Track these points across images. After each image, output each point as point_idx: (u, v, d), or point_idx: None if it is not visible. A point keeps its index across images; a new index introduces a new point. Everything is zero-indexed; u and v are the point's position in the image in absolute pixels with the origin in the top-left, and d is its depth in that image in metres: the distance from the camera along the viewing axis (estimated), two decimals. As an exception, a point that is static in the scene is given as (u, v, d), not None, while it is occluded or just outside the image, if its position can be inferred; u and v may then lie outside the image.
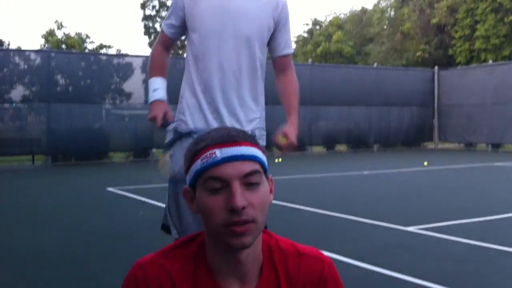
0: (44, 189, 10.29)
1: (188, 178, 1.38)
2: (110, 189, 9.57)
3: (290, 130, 2.74)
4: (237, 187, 1.29)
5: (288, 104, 2.86)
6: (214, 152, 1.31)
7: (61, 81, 15.93)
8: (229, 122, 2.70)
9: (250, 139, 1.37)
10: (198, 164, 1.34)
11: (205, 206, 1.33)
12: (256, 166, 1.34)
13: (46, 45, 29.53)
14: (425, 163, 14.16)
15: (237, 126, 2.65)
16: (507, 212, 7.06)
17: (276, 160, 13.67)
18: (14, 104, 15.55)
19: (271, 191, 1.41)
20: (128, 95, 16.88)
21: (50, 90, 15.17)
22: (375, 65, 23.03)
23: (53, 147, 15.02)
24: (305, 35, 49.04)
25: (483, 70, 20.79)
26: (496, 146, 20.16)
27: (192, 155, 1.36)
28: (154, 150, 16.47)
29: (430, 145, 22.42)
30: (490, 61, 22.83)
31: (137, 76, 17.00)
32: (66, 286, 4.17)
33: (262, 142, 2.78)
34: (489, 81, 19.92)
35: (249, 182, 1.32)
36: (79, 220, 6.91)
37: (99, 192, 9.33)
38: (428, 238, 5.65)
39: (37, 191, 9.94)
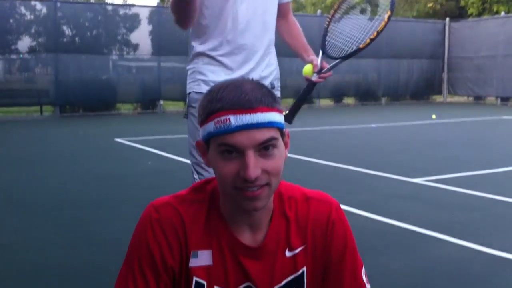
0: (53, 139, 10.35)
1: (202, 133, 1.35)
2: (118, 139, 9.61)
3: (316, 59, 2.62)
4: (251, 157, 1.26)
5: (300, 43, 2.76)
6: (229, 119, 1.26)
7: (68, 32, 15.79)
8: (253, 73, 2.52)
9: (267, 102, 1.30)
10: (211, 126, 1.30)
11: (218, 168, 1.31)
12: (272, 133, 1.29)
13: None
14: (433, 116, 14.09)
15: (260, 77, 2.53)
16: (514, 165, 7.07)
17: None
18: (21, 55, 15.48)
19: (286, 146, 1.39)
20: (135, 46, 16.74)
21: (57, 41, 15.06)
22: (385, 16, 22.65)
23: (61, 97, 15.02)
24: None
25: (495, 22, 20.41)
26: (505, 99, 19.99)
27: (206, 114, 1.31)
28: (161, 102, 16.44)
29: (439, 99, 22.25)
30: (503, 13, 22.36)
31: (144, 27, 16.82)
32: (74, 228, 4.26)
33: (279, 93, 2.61)
34: (500, 33, 19.58)
35: (264, 148, 1.29)
36: (88, 167, 7.00)
37: (107, 143, 9.38)
38: (434, 190, 5.68)
39: (46, 141, 10.00)
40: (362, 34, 2.58)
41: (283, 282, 1.43)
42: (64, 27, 15.63)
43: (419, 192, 5.63)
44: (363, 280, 1.48)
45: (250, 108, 1.27)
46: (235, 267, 1.39)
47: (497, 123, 13.43)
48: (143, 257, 1.38)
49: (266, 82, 2.57)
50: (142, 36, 16.66)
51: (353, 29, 2.63)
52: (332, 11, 2.77)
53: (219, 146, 1.29)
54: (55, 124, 13.37)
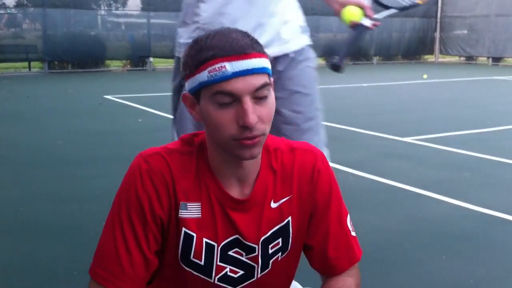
0: (42, 95, 10.24)
1: (190, 85, 1.31)
2: (107, 96, 9.53)
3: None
4: (248, 103, 1.24)
5: None
6: (224, 66, 1.23)
7: (55, -14, 15.48)
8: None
9: (258, 48, 1.29)
10: (204, 75, 1.26)
11: (213, 119, 1.28)
12: (266, 79, 1.28)
13: None
14: (425, 76, 14.06)
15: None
16: (504, 125, 7.09)
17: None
18: (8, 10, 15.18)
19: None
20: (124, 1, 16.47)
21: (44, -5, 14.79)
22: (378, -26, 22.36)
23: (49, 53, 14.82)
24: None
25: (489, -20, 20.24)
26: (496, 59, 19.96)
27: (197, 64, 1.28)
28: (151, 59, 16.26)
29: (431, 58, 22.19)
30: (497, -28, 22.17)
31: (133, -19, 16.53)
32: (63, 184, 4.25)
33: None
34: (494, -8, 19.44)
35: (259, 96, 1.27)
36: (77, 123, 6.95)
37: (96, 99, 9.30)
38: (424, 149, 5.70)
39: (35, 97, 9.88)
40: None
41: (269, 233, 1.44)
42: (52, -19, 15.32)
43: (410, 151, 5.65)
44: (348, 227, 1.50)
45: (244, 53, 1.25)
46: (224, 219, 1.39)
47: (488, 83, 13.43)
48: (132, 206, 1.36)
49: None
50: (131, -10, 16.39)
51: None
52: None
53: (214, 95, 1.26)
54: (43, 80, 13.22)
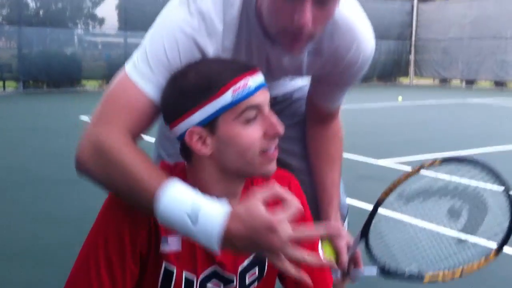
0: (15, 115, 10.12)
1: (201, 117, 1.27)
2: (83, 117, 9.46)
3: (343, 242, 1.77)
4: (272, 113, 1.32)
5: (330, 175, 1.95)
6: (247, 83, 1.27)
7: (32, 4, 15.40)
8: None
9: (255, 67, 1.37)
10: (228, 97, 1.25)
11: (243, 138, 1.27)
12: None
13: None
14: (399, 98, 14.24)
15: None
16: (477, 147, 7.19)
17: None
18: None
19: None
20: (101, 21, 16.45)
21: (21, 13, 14.68)
22: (354, -4, 22.67)
23: (24, 72, 14.69)
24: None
25: (462, 4, 20.63)
26: (470, 82, 20.31)
27: (215, 89, 1.26)
28: (128, 78, 16.20)
29: (405, 80, 22.48)
30: (469, -4, 22.67)
31: (110, 1, 16.50)
32: (33, 206, 4.20)
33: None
34: (467, 15, 19.84)
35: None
36: (51, 144, 6.87)
37: (72, 119, 9.21)
38: (399, 172, 5.74)
39: (8, 117, 9.77)
40: (434, 256, 1.73)
41: (246, 261, 1.43)
42: None
43: (386, 174, 5.68)
44: (319, 253, 1.54)
45: (254, 70, 1.32)
46: (202, 251, 1.37)
47: (461, 105, 13.64)
48: (110, 242, 1.30)
49: None
50: (108, 9, 16.36)
51: (413, 239, 1.80)
52: (396, 182, 1.77)
53: (242, 113, 1.27)
54: (18, 100, 13.07)
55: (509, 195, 1.55)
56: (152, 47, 1.39)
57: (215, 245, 1.18)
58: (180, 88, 1.29)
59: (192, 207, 1.19)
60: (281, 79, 1.91)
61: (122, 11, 16.31)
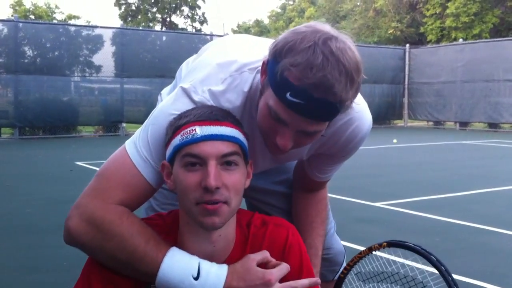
0: (11, 162, 10.12)
1: (168, 152, 1.37)
2: (78, 163, 9.46)
3: None
4: (213, 167, 1.28)
5: (310, 251, 1.80)
6: (195, 129, 1.30)
7: (29, 52, 15.58)
8: None
9: (232, 121, 1.36)
10: (177, 139, 1.32)
11: (180, 182, 1.32)
12: (236, 147, 1.33)
13: (14, 15, 28.80)
14: (394, 141, 14.32)
15: None
16: (472, 189, 7.20)
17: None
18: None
19: (249, 176, 1.42)
20: (98, 68, 16.61)
21: (18, 61, 14.84)
22: (347, 42, 22.99)
23: (20, 119, 14.75)
24: (278, 10, 48.78)
25: (453, 48, 20.99)
26: (463, 124, 20.47)
27: (174, 130, 1.35)
28: (124, 124, 16.28)
29: (400, 123, 22.65)
30: (461, 40, 23.05)
31: (107, 49, 16.71)
32: (28, 254, 4.14)
33: None
34: (459, 59, 20.13)
35: (226, 163, 1.31)
36: (47, 191, 6.84)
37: (67, 166, 9.21)
38: (395, 213, 5.74)
39: (4, 164, 9.77)
40: None
41: None
42: (25, 48, 15.44)
43: (380, 216, 5.67)
44: None
45: (215, 120, 1.33)
46: None
47: (455, 147, 13.71)
48: None
49: None
50: (105, 57, 16.55)
51: None
52: (350, 261, 1.94)
53: (183, 157, 1.31)
54: (14, 147, 13.08)
55: (445, 278, 1.72)
56: (154, 132, 1.44)
57: None
58: (170, 121, 1.40)
59: (193, 269, 1.31)
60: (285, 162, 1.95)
61: (119, 58, 16.51)
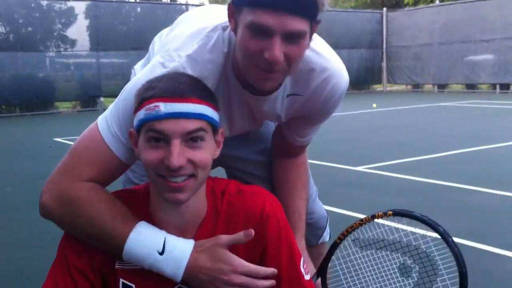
0: (-11, 141, 9.99)
1: (135, 121, 1.34)
2: (57, 139, 9.37)
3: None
4: (176, 145, 1.26)
5: (293, 215, 1.88)
6: (159, 106, 1.27)
7: (1, 29, 15.25)
8: None
9: (200, 95, 1.32)
10: (142, 113, 1.30)
11: (144, 156, 1.31)
12: (202, 124, 1.30)
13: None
14: (374, 105, 14.38)
15: None
16: (451, 150, 7.28)
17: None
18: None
19: (219, 145, 1.40)
20: (73, 42, 16.32)
21: (-10, 38, 14.55)
22: (324, 7, 22.85)
23: (-4, 97, 14.53)
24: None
25: (430, 10, 20.97)
26: (442, 86, 20.59)
27: (140, 101, 1.32)
28: (102, 99, 16.10)
29: (379, 87, 22.72)
30: (437, 1, 23.01)
31: (81, 22, 16.38)
32: (11, 231, 4.12)
33: None
34: (436, 21, 20.15)
35: (191, 139, 1.29)
36: (26, 168, 6.77)
37: (46, 142, 9.12)
38: (377, 177, 5.79)
39: (-19, 143, 9.64)
40: None
41: None
42: (-3, 24, 15.10)
43: (362, 179, 5.72)
44: (301, 271, 1.48)
45: (181, 96, 1.29)
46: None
47: (434, 109, 13.81)
48: (71, 262, 1.40)
49: None
50: (79, 31, 16.25)
51: None
52: (349, 228, 1.91)
53: (147, 132, 1.30)
54: (-10, 125, 12.91)
55: (452, 249, 1.67)
56: (125, 107, 1.43)
57: (180, 273, 1.32)
58: (139, 89, 1.36)
59: (158, 244, 1.32)
60: (264, 124, 1.94)
61: (94, 31, 16.24)
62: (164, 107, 1.27)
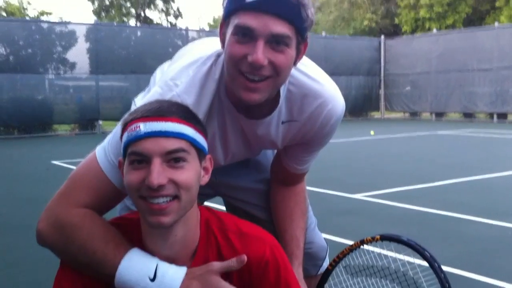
0: (-14, 163, 9.96)
1: (122, 149, 1.36)
2: (55, 162, 9.35)
3: None
4: (156, 164, 1.26)
5: (291, 242, 1.92)
6: (139, 126, 1.28)
7: (1, 50, 15.32)
8: None
9: (181, 115, 1.32)
10: (125, 136, 1.32)
11: (126, 178, 1.31)
12: (182, 144, 1.29)
13: (-16, 13, 28.33)
14: (372, 132, 14.42)
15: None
16: (448, 179, 7.27)
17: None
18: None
19: (207, 172, 1.39)
20: (72, 65, 16.40)
21: (-10, 60, 14.60)
22: (323, 34, 23.11)
23: (-6, 119, 14.53)
24: (253, 4, 48.57)
25: (428, 39, 21.17)
26: (439, 114, 20.67)
27: (123, 126, 1.34)
28: (100, 122, 16.13)
29: (377, 115, 22.80)
30: (435, 30, 23.24)
31: (81, 45, 16.51)
32: (6, 253, 4.08)
33: None
34: (433, 50, 20.31)
35: (173, 159, 1.28)
36: (23, 190, 6.75)
37: (43, 165, 9.10)
38: (374, 205, 5.78)
39: (-22, 165, 9.61)
40: None
41: None
42: (-2, 46, 15.18)
43: (359, 207, 5.71)
44: None
45: (161, 116, 1.30)
46: None
47: (432, 138, 13.84)
48: None
49: None
50: (79, 54, 16.36)
51: None
52: (340, 254, 1.95)
53: (129, 155, 1.31)
54: (-12, 146, 12.88)
55: (437, 274, 1.69)
56: (119, 136, 1.46)
57: None
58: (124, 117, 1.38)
59: (150, 270, 1.31)
60: (260, 153, 1.96)
61: (94, 54, 16.33)
62: (143, 126, 1.28)
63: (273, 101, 1.59)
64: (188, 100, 1.49)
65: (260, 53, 1.38)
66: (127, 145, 1.31)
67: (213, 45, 1.66)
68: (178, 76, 1.54)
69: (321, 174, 7.92)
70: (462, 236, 4.58)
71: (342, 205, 5.84)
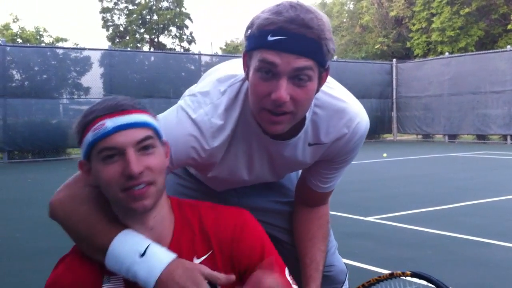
0: (1, 186, 10.04)
1: (82, 151, 1.40)
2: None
3: None
4: (131, 154, 1.32)
5: (310, 265, 1.92)
6: (104, 123, 1.33)
7: (17, 76, 15.53)
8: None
9: (139, 107, 1.40)
10: (90, 136, 1.35)
11: (102, 176, 1.35)
12: (149, 132, 1.37)
13: (1, 39, 28.77)
14: (384, 155, 14.38)
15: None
16: (461, 201, 7.23)
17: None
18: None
19: (167, 155, 1.45)
20: (86, 90, 16.59)
21: (6, 85, 14.77)
22: (335, 57, 23.16)
23: (9, 143, 14.66)
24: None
25: (440, 62, 21.17)
26: (452, 137, 20.59)
27: (83, 128, 1.38)
28: (114, 145, 16.19)
29: (389, 137, 22.75)
30: (447, 53, 23.25)
31: (95, 70, 16.70)
32: (23, 278, 4.10)
33: None
34: (445, 72, 20.31)
35: (143, 148, 1.35)
36: (38, 214, 6.77)
37: (56, 189, 9.12)
38: (387, 227, 5.75)
39: (-7, 189, 9.69)
40: None
41: None
42: (13, 71, 15.38)
43: (373, 230, 5.68)
44: (288, 280, 1.49)
45: (124, 110, 1.36)
46: None
47: (445, 159, 13.77)
48: None
49: None
50: (93, 79, 16.53)
51: None
52: (366, 284, 1.94)
53: (99, 152, 1.35)
54: (3, 171, 12.98)
55: None
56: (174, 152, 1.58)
57: (152, 280, 1.33)
58: (77, 122, 1.43)
59: (141, 247, 1.36)
60: (284, 176, 2.00)
61: (108, 79, 16.50)
62: (110, 122, 1.34)
63: (299, 123, 1.63)
64: (215, 117, 1.58)
65: (283, 91, 1.43)
66: (94, 144, 1.34)
67: (241, 67, 1.72)
68: (207, 93, 1.62)
69: (333, 196, 7.85)
70: (477, 260, 4.54)
71: (355, 227, 5.82)
